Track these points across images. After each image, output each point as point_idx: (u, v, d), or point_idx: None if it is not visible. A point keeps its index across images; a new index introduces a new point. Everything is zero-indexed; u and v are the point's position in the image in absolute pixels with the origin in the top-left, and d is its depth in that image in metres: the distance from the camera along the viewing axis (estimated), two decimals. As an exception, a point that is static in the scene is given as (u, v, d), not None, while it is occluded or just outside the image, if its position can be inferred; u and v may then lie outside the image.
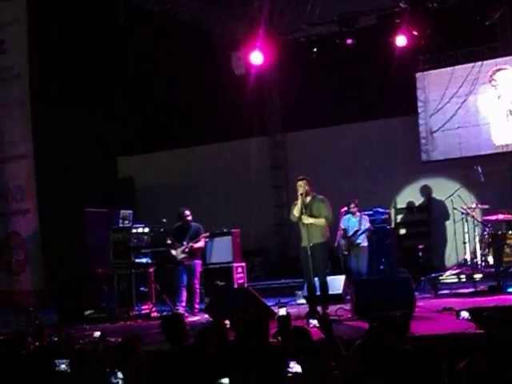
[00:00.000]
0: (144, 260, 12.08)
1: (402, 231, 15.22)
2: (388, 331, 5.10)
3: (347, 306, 9.58)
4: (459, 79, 14.47)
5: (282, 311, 7.22)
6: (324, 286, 9.57)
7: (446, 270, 12.81)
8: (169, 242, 11.73)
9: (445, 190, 14.02)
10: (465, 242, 12.43)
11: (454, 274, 11.89)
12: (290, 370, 4.51)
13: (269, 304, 9.89)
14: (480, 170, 12.88)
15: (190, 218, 11.70)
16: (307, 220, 9.47)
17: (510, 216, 11.96)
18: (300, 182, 9.59)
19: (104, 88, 16.18)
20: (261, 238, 16.36)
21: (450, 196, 13.13)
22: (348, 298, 10.20)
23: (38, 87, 13.23)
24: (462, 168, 14.30)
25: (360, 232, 11.68)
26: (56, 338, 6.74)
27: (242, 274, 12.49)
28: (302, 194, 9.51)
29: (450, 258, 14.14)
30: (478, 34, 13.89)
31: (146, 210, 15.60)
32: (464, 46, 14.47)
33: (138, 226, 12.35)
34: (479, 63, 14.26)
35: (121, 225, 12.43)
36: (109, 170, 17.89)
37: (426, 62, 14.90)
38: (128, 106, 16.97)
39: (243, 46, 14.57)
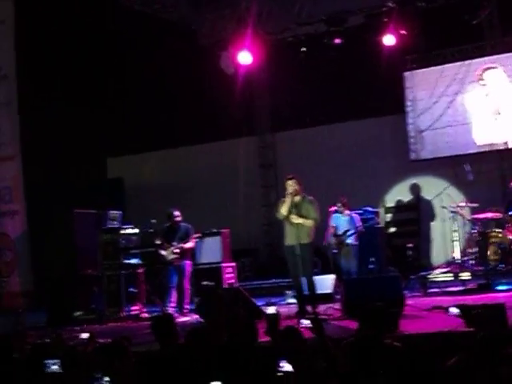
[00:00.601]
0: (133, 261, 12.03)
1: (391, 230, 15.21)
2: (376, 326, 5.09)
3: (337, 305, 9.58)
4: (447, 78, 14.50)
5: (271, 309, 7.22)
6: (312, 285, 9.56)
7: (435, 268, 12.85)
8: (158, 242, 11.69)
9: (434, 188, 14.05)
10: (454, 241, 12.47)
11: (443, 273, 11.93)
12: (280, 369, 4.51)
13: (259, 304, 9.88)
14: (469, 169, 12.89)
15: (179, 218, 11.66)
16: (297, 220, 9.46)
17: (498, 214, 12.01)
18: (289, 181, 9.58)
19: (93, 88, 16.13)
20: (250, 238, 16.36)
21: (438, 194, 13.19)
22: (338, 297, 10.20)
23: (25, 88, 13.16)
24: (450, 167, 14.34)
25: (351, 233, 11.68)
26: (47, 340, 6.72)
27: (231, 274, 12.45)
28: (291, 193, 9.51)
29: (440, 256, 14.21)
30: (465, 32, 13.92)
31: (136, 211, 15.53)
32: (452, 45, 14.49)
33: (127, 226, 12.30)
34: (467, 62, 14.29)
35: (110, 226, 12.39)
36: (98, 171, 17.84)
37: (414, 61, 14.92)
38: (117, 107, 16.92)
39: (231, 45, 14.55)
